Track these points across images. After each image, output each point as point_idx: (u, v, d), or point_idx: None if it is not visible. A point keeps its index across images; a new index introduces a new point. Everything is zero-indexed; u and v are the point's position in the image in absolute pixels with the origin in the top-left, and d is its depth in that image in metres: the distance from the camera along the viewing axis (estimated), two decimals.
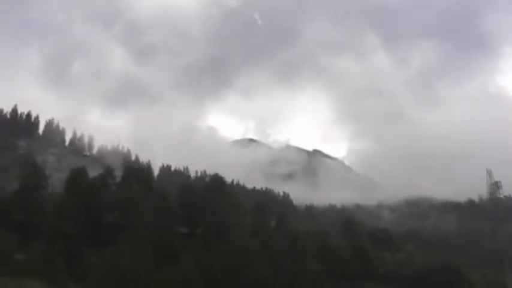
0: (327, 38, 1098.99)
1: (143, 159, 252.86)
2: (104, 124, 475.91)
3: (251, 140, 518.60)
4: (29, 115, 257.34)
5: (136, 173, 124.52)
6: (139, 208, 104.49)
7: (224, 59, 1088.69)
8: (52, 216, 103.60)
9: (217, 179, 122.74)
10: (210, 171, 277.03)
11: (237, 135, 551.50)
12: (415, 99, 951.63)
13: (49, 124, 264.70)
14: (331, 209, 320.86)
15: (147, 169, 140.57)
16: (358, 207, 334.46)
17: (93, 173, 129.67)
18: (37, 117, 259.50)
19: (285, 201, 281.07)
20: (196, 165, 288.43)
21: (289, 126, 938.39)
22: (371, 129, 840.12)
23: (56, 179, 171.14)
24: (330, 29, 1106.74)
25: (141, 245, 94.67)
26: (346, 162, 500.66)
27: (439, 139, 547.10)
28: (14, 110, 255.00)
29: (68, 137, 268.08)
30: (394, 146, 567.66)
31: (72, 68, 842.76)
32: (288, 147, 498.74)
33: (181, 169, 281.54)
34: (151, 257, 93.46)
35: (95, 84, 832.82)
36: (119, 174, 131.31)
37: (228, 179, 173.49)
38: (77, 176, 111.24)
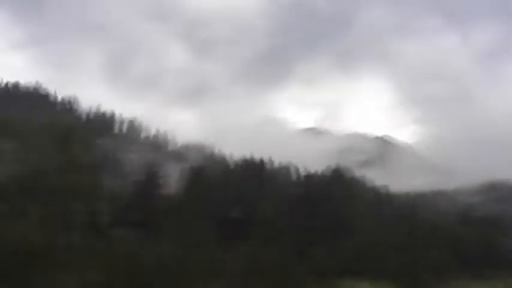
0: (387, 22, 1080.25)
1: (221, 152, 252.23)
2: (176, 119, 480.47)
3: (318, 129, 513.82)
4: (106, 114, 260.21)
5: (252, 167, 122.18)
6: (263, 203, 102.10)
7: (284, 48, 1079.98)
8: (175, 214, 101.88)
9: (338, 171, 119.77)
10: (289, 162, 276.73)
11: (303, 124, 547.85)
12: (482, 81, 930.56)
13: (127, 122, 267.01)
14: (409, 195, 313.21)
15: (260, 163, 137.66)
16: (436, 193, 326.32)
17: (175, 168, 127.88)
18: (115, 115, 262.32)
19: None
20: (270, 156, 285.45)
21: (354, 113, 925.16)
22: (437, 112, 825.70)
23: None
24: (390, 12, 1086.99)
25: (274, 240, 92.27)
26: (416, 147, 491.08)
27: (508, 121, 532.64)
28: (92, 110, 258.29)
29: (146, 134, 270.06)
30: (462, 129, 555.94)
31: (134, 65, 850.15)
32: (357, 134, 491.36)
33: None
34: (285, 250, 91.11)
35: (159, 81, 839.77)
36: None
37: (303, 169, 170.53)
38: (197, 174, 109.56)
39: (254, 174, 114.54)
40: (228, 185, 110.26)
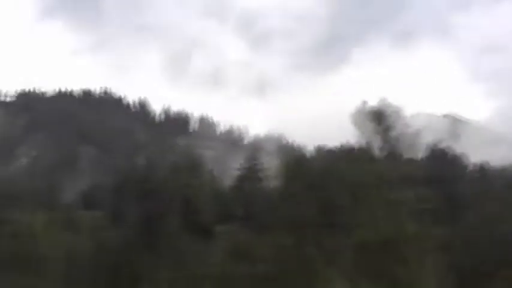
0: None
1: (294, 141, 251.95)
2: (244, 113, 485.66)
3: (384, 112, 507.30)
4: (180, 113, 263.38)
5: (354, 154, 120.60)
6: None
7: (342, 33, 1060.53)
8: (279, 207, 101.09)
9: (438, 149, 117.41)
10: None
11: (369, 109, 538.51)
12: None
13: (201, 119, 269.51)
14: (493, 170, 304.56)
15: (366, 150, 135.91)
16: None
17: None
18: (188, 115, 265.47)
19: None
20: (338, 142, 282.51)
21: (420, 92, 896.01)
22: (505, 85, 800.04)
23: (217, 172, 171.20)
24: None
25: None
26: (486, 122, 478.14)
27: None
28: (166, 110, 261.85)
29: (219, 129, 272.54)
30: None
31: (195, 63, 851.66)
32: (424, 114, 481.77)
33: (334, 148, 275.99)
34: None
35: (222, 77, 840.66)
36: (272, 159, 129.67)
37: None
38: (296, 164, 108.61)
39: (354, 160, 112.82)
40: (330, 173, 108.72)
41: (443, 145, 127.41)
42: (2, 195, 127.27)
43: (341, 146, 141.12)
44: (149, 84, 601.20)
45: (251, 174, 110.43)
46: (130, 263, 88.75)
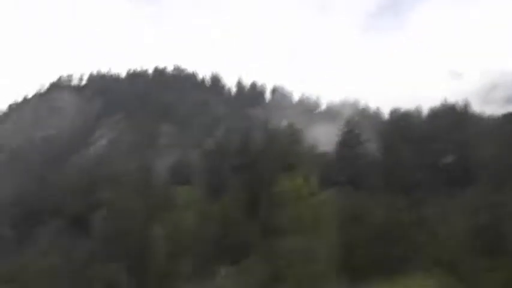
0: None
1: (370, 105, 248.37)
2: (315, 80, 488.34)
3: (457, 70, 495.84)
4: (253, 85, 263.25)
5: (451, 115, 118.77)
6: (477, 148, 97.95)
7: None
8: (382, 170, 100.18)
9: None
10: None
11: (441, 67, 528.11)
12: None
13: (274, 89, 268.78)
14: None
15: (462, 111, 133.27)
16: None
17: (326, 127, 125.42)
18: (262, 86, 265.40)
19: None
20: (405, 102, 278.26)
21: (489, 48, 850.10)
22: None
23: None
24: None
25: (501, 183, 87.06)
26: None
27: None
28: (239, 82, 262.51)
29: (292, 98, 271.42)
30: None
31: (259, 33, 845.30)
32: (496, 70, 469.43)
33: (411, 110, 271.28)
34: None
35: (288, 44, 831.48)
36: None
37: None
38: (396, 127, 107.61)
39: (455, 120, 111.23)
40: (431, 133, 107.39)
41: None
42: (99, 177, 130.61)
43: (442, 106, 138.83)
44: (216, 57, 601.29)
45: (351, 139, 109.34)
46: (238, 233, 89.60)
